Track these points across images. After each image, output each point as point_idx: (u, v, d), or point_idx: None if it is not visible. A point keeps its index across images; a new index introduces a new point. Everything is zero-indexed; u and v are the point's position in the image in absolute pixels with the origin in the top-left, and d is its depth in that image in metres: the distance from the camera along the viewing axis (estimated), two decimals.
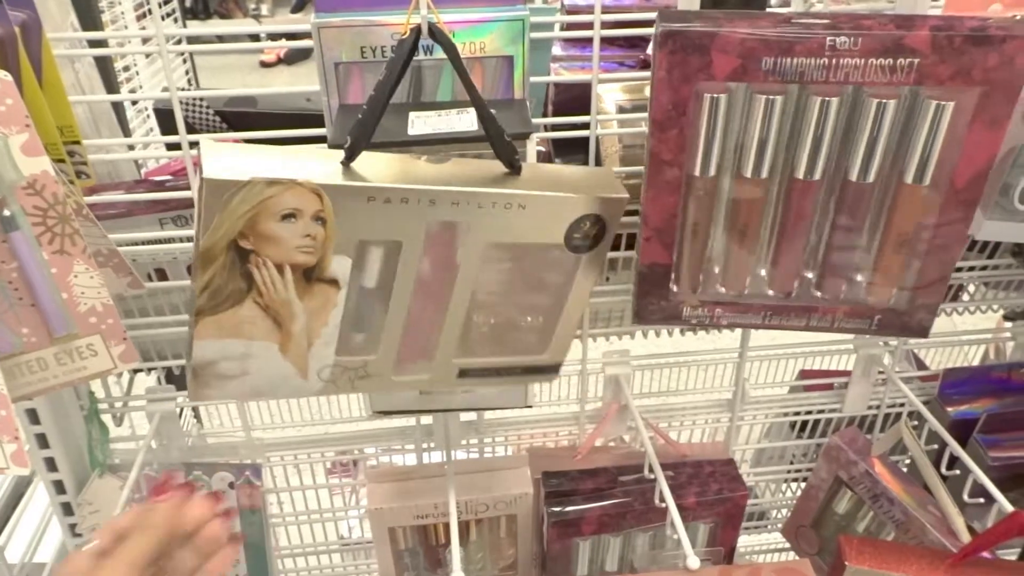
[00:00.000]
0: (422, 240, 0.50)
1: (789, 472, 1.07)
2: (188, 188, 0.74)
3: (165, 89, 0.85)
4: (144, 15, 1.36)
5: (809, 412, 0.96)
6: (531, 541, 0.84)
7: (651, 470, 0.75)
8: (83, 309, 0.57)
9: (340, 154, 0.48)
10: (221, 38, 0.78)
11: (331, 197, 0.47)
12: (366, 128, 0.48)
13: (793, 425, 1.03)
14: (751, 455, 1.19)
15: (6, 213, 0.52)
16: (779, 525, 1.00)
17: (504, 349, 0.60)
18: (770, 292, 0.63)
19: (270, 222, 0.47)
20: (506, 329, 0.60)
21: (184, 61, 1.46)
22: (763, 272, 0.63)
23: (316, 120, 0.86)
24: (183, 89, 0.81)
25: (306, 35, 0.63)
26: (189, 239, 0.77)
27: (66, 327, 0.57)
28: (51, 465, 0.82)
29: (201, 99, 0.82)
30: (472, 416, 0.88)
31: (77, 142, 0.64)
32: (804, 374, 1.20)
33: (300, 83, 0.76)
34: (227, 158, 0.46)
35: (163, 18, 1.45)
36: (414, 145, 0.54)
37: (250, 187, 0.46)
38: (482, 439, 0.90)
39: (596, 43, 0.67)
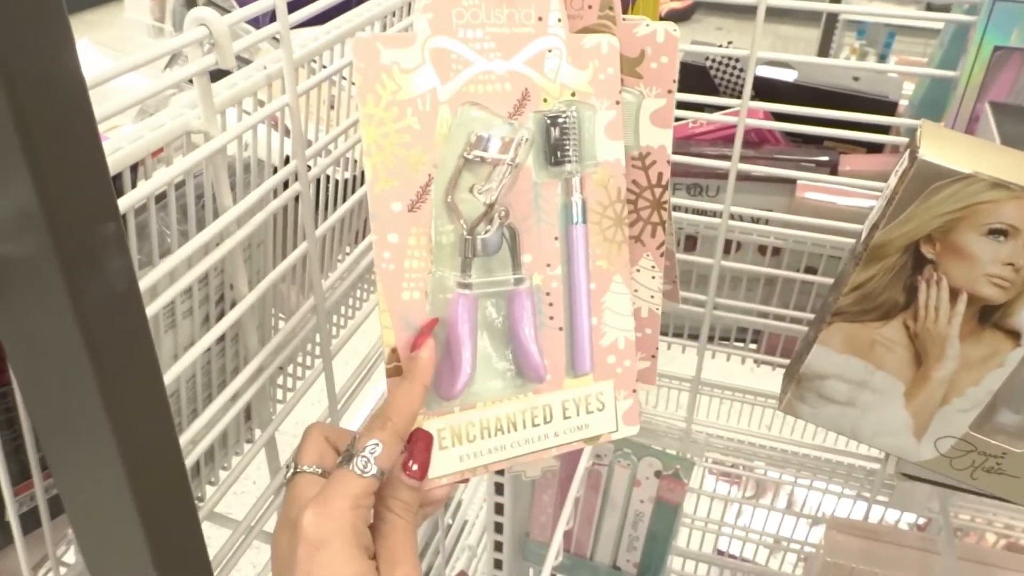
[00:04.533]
0: None
1: None
2: (713, 156, 0.67)
3: (695, 43, 0.78)
4: None
5: None
6: None
7: None
8: (605, 342, 0.40)
9: None
10: None
11: None
12: None
13: None
14: None
15: (576, 199, 0.38)
16: None
17: None
18: None
19: (972, 233, 0.38)
20: None
21: None
22: None
23: (861, 104, 0.75)
24: (715, 45, 0.74)
25: None
26: (699, 211, 0.70)
27: (588, 365, 0.40)
28: None
29: (734, 59, 0.74)
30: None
31: None
32: None
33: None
34: (950, 144, 0.38)
35: None
36: None
37: (968, 183, 0.37)
38: (945, 506, 0.76)
39: None
